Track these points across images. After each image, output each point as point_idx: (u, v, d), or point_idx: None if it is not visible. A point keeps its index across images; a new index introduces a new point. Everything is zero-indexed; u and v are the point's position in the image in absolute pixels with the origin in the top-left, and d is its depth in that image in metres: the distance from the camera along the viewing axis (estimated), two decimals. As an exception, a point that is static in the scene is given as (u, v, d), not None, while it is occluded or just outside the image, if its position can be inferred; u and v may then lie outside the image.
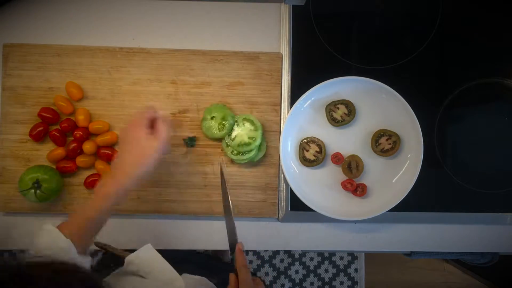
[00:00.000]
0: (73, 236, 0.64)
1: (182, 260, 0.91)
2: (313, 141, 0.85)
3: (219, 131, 0.84)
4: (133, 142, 0.71)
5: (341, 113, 0.85)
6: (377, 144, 0.85)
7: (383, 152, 0.85)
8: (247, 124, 0.84)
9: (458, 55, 0.91)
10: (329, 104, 0.85)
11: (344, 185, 0.85)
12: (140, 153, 0.71)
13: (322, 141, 0.85)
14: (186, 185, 0.86)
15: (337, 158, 0.85)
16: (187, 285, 0.70)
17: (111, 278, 0.73)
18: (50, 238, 0.63)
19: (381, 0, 0.92)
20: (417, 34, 0.90)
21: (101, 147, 0.85)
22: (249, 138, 0.84)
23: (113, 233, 0.87)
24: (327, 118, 0.86)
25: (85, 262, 0.65)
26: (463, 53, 0.91)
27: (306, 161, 0.86)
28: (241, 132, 0.84)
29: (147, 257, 0.72)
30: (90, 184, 0.84)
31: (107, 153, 0.84)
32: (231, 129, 0.84)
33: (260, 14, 0.90)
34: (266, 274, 1.71)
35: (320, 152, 0.85)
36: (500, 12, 0.92)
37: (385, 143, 0.85)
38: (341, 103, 0.85)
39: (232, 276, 0.70)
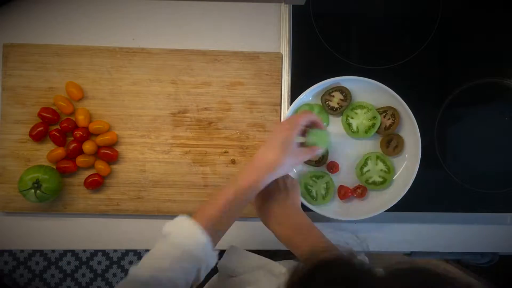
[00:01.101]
0: (208, 229, 0.60)
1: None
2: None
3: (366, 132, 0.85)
4: (283, 145, 0.68)
5: (337, 100, 0.85)
6: (387, 145, 0.85)
7: (394, 152, 0.85)
8: (380, 164, 0.85)
9: (458, 55, 0.91)
10: (324, 95, 0.85)
11: (339, 192, 0.86)
12: (281, 159, 0.67)
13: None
14: (186, 185, 0.86)
15: (332, 165, 0.86)
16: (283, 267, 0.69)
17: (218, 283, 0.73)
18: (186, 231, 0.59)
19: (381, 0, 0.92)
20: (417, 34, 0.90)
21: (101, 147, 0.85)
22: (380, 177, 0.85)
23: (113, 233, 0.87)
24: (324, 108, 0.85)
25: (216, 258, 0.62)
26: (463, 53, 0.91)
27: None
28: (373, 169, 0.85)
29: (237, 257, 0.72)
30: (90, 184, 0.84)
31: (107, 153, 0.84)
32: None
33: (260, 14, 0.90)
34: (266, 274, 1.70)
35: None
36: (500, 12, 0.92)
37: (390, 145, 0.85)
38: (336, 90, 0.85)
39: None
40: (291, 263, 0.73)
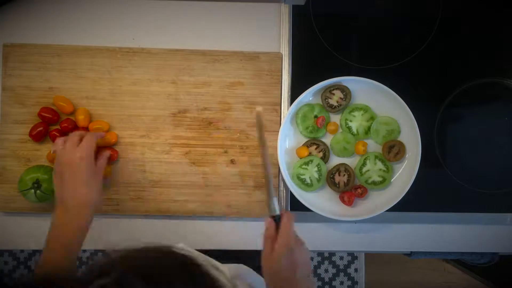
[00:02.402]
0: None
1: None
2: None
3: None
4: (90, 179, 0.70)
5: (337, 98, 0.85)
6: (389, 151, 0.85)
7: (395, 158, 0.85)
8: (379, 163, 0.85)
9: (458, 55, 0.91)
10: (325, 92, 0.85)
11: (341, 198, 0.86)
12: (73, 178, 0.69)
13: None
14: (186, 185, 0.86)
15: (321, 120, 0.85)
16: (229, 270, 0.69)
17: None
18: None
19: (381, 0, 0.92)
20: (417, 34, 0.90)
21: (100, 147, 0.85)
22: (379, 176, 0.85)
23: (113, 233, 0.87)
24: (324, 105, 0.85)
25: None
26: (463, 53, 0.91)
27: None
28: (372, 169, 0.85)
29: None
30: None
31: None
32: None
33: (260, 14, 0.90)
34: (266, 274, 1.70)
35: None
36: (501, 12, 0.92)
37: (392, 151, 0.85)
38: (336, 88, 0.85)
39: (268, 220, 0.65)
40: (234, 265, 0.73)
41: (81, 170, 0.69)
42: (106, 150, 0.80)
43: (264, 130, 0.72)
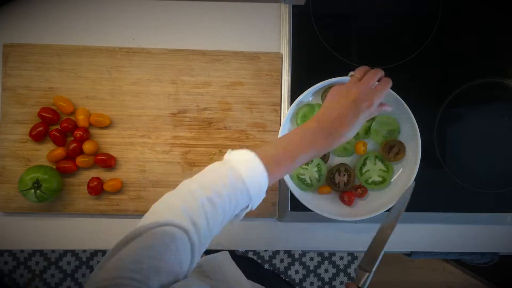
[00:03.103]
0: (270, 172, 0.58)
1: None
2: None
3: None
4: (360, 124, 0.67)
5: None
6: (389, 151, 0.85)
7: (395, 158, 0.85)
8: (379, 163, 0.85)
9: (458, 55, 0.91)
10: (325, 92, 0.85)
11: (341, 198, 0.86)
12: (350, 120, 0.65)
13: None
14: (186, 185, 0.86)
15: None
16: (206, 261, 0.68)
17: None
18: (251, 167, 0.57)
19: (381, 0, 0.92)
20: (417, 34, 0.90)
21: (98, 154, 0.85)
22: (379, 176, 0.85)
23: (113, 233, 0.87)
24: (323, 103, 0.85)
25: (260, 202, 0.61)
26: (463, 53, 0.91)
27: None
28: (372, 169, 0.86)
29: (225, 264, 0.71)
30: (93, 189, 0.84)
31: (103, 159, 0.84)
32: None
33: (260, 14, 0.90)
34: (266, 274, 1.70)
35: None
36: (501, 12, 0.92)
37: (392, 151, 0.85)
38: None
39: (351, 285, 0.64)
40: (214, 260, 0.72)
41: (356, 106, 0.66)
42: (386, 106, 0.75)
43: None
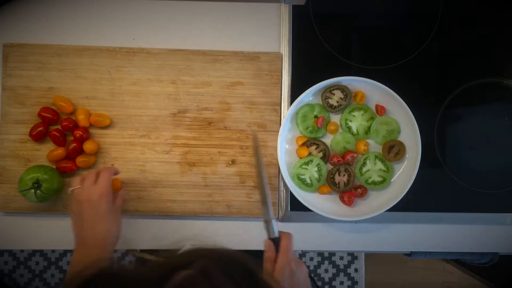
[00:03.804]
0: None
1: None
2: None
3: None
4: (110, 214, 0.71)
5: (337, 99, 0.85)
6: (389, 151, 0.85)
7: (394, 158, 0.85)
8: (379, 163, 0.85)
9: (458, 55, 0.91)
10: (325, 91, 0.85)
11: (341, 198, 0.86)
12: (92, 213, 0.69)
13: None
14: (186, 185, 0.86)
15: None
16: None
17: None
18: None
19: (381, 0, 0.92)
20: (417, 34, 0.90)
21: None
22: (379, 176, 0.85)
23: (113, 233, 0.87)
24: (324, 105, 0.85)
25: None
26: (463, 53, 0.91)
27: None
28: (372, 169, 0.85)
29: None
30: None
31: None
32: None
33: (260, 14, 0.90)
34: (266, 274, 1.70)
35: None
36: (501, 12, 0.92)
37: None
38: (337, 88, 0.85)
39: (268, 243, 0.67)
40: None
41: (101, 206, 0.70)
42: (121, 191, 0.79)
43: (260, 151, 0.73)
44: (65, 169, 0.84)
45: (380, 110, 0.85)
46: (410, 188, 0.82)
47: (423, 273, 1.80)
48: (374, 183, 0.85)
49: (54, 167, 0.84)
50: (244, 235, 0.88)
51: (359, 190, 0.85)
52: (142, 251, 0.77)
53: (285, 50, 0.89)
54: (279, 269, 0.64)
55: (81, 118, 0.84)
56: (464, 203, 0.89)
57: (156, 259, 0.59)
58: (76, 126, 0.84)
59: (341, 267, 1.69)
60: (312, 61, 0.90)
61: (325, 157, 0.86)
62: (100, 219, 0.70)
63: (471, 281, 1.62)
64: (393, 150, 0.85)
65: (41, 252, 1.74)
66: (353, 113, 0.86)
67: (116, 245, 0.71)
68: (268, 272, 0.64)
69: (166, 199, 0.86)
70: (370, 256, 1.72)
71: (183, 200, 0.86)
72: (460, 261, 1.58)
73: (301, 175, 0.85)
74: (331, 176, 0.85)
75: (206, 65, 0.87)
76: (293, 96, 0.87)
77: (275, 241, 0.68)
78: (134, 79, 0.87)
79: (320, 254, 1.71)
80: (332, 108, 0.85)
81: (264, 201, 0.70)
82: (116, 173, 0.79)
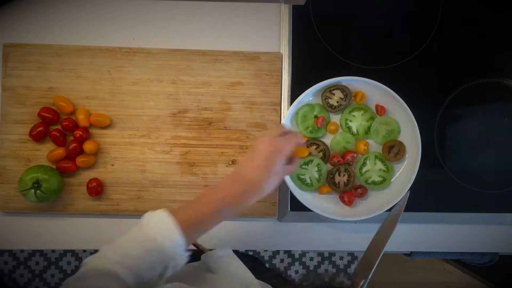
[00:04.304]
0: (185, 231, 0.58)
1: None
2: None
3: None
4: (272, 173, 0.67)
5: (337, 99, 0.85)
6: (389, 151, 0.85)
7: (394, 158, 0.85)
8: (379, 163, 0.85)
9: (458, 55, 0.91)
10: (325, 91, 0.85)
11: (341, 198, 0.85)
12: (266, 179, 0.66)
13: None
14: (186, 185, 0.86)
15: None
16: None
17: (194, 270, 0.72)
18: (165, 228, 0.58)
19: (381, 0, 0.92)
20: (417, 34, 0.90)
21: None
22: (379, 176, 0.85)
23: (113, 233, 0.87)
24: (324, 105, 0.85)
25: (186, 259, 0.61)
26: (463, 53, 0.91)
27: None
28: (372, 169, 0.85)
29: (223, 256, 0.71)
30: (92, 190, 0.84)
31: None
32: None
33: (260, 14, 0.90)
34: (266, 274, 1.70)
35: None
36: (500, 12, 0.92)
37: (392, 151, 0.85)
38: (337, 88, 0.85)
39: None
40: (263, 284, 0.72)
41: (275, 159, 0.66)
42: (299, 159, 0.75)
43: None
44: (65, 169, 0.84)
45: (380, 110, 0.85)
46: (410, 188, 0.82)
47: (423, 273, 1.80)
48: (374, 183, 0.85)
49: (54, 167, 0.84)
50: (244, 235, 0.88)
51: (359, 190, 0.85)
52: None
53: (285, 50, 0.89)
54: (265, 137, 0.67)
55: (81, 118, 0.84)
56: (464, 203, 0.89)
57: None
58: (76, 126, 0.84)
59: (341, 267, 1.69)
60: (312, 61, 0.90)
61: (325, 157, 0.86)
62: (260, 166, 0.66)
63: (471, 281, 1.62)
64: (393, 150, 0.85)
65: (41, 252, 1.74)
66: (353, 113, 0.86)
67: (250, 203, 0.67)
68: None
69: (166, 199, 0.86)
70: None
71: (183, 200, 0.86)
72: (460, 261, 1.58)
73: (301, 175, 0.85)
74: (331, 176, 0.85)
75: (206, 65, 0.87)
76: (293, 96, 0.87)
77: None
78: (134, 79, 0.87)
79: (320, 254, 1.71)
80: (332, 108, 0.85)
81: (370, 258, 0.69)
82: (298, 143, 0.73)
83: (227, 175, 0.68)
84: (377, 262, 0.68)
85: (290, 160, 0.72)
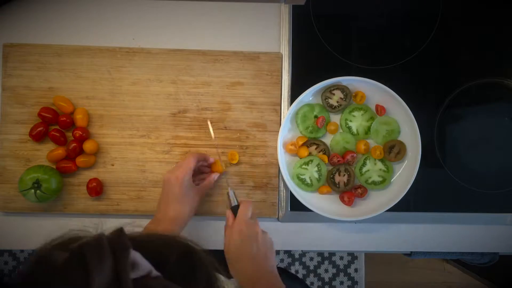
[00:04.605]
0: None
1: None
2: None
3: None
4: (182, 198, 0.76)
5: (337, 99, 0.85)
6: (390, 151, 0.85)
7: (395, 158, 0.85)
8: (379, 163, 0.85)
9: (458, 55, 0.91)
10: (325, 92, 0.85)
11: (341, 198, 0.85)
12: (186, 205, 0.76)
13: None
14: (186, 185, 0.86)
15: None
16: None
17: None
18: None
19: (381, 0, 0.92)
20: (417, 34, 0.90)
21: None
22: (379, 176, 0.85)
23: (113, 233, 0.87)
24: (324, 105, 0.85)
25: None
26: (463, 53, 0.91)
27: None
28: (372, 169, 0.85)
29: None
30: (92, 190, 0.84)
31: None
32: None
33: (260, 14, 0.90)
34: (266, 274, 1.70)
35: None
36: (500, 12, 0.92)
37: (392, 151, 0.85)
38: (337, 88, 0.85)
39: (228, 213, 0.75)
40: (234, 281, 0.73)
41: (175, 189, 0.74)
42: (213, 174, 0.84)
43: None
44: (65, 169, 0.84)
45: (380, 110, 0.85)
46: (410, 188, 0.82)
47: (423, 273, 1.80)
48: (374, 183, 0.85)
49: (54, 167, 0.84)
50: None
51: (359, 190, 0.85)
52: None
53: (285, 50, 0.89)
54: (232, 232, 0.70)
55: (79, 118, 0.84)
56: (464, 203, 0.89)
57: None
58: (74, 124, 0.84)
59: (341, 267, 1.69)
60: (312, 61, 0.90)
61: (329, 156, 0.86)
62: (171, 201, 0.75)
63: (471, 281, 1.62)
64: (393, 150, 0.85)
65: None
66: (353, 113, 0.86)
67: (186, 224, 0.76)
68: (226, 240, 0.72)
69: (166, 199, 0.86)
70: (370, 256, 1.72)
71: (183, 200, 0.86)
72: (460, 261, 1.58)
73: (301, 175, 0.85)
74: (331, 176, 0.85)
75: (206, 65, 0.87)
76: (293, 96, 0.87)
77: (235, 209, 0.75)
78: (134, 79, 0.87)
79: (320, 254, 1.71)
80: (332, 108, 0.85)
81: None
82: (204, 160, 0.83)
83: (149, 223, 0.75)
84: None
85: (206, 178, 0.82)
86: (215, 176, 0.83)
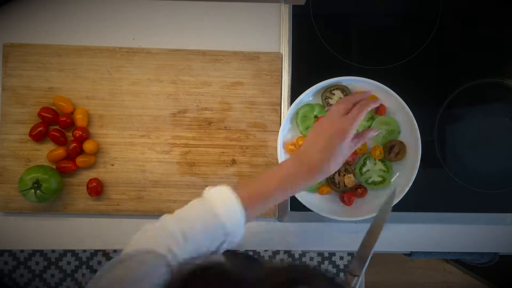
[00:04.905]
0: (246, 209, 0.59)
1: None
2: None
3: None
4: (330, 147, 0.67)
5: (337, 99, 0.85)
6: (390, 152, 0.85)
7: (395, 158, 0.85)
8: (379, 163, 0.85)
9: (458, 55, 0.91)
10: (325, 92, 0.85)
11: (341, 198, 0.85)
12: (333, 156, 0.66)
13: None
14: (186, 185, 0.86)
15: None
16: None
17: None
18: (228, 204, 0.59)
19: (381, 0, 0.92)
20: (417, 34, 0.90)
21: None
22: (379, 176, 0.85)
23: (113, 233, 0.87)
24: (324, 105, 0.85)
25: (242, 235, 0.61)
26: (463, 53, 0.91)
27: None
28: (372, 169, 0.85)
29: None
30: (92, 190, 0.84)
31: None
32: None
33: (260, 14, 0.90)
34: (266, 274, 1.70)
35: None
36: (501, 12, 0.92)
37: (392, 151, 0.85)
38: (337, 88, 0.85)
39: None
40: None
41: (332, 140, 0.67)
42: (371, 131, 0.75)
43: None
44: (65, 169, 0.84)
45: (380, 110, 0.85)
46: (410, 188, 0.82)
47: (423, 273, 1.80)
48: (374, 183, 0.85)
49: (54, 167, 0.84)
50: (244, 235, 0.88)
51: (359, 190, 0.85)
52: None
53: (285, 50, 0.89)
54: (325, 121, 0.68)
55: (79, 118, 0.84)
56: (464, 203, 0.89)
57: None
58: (73, 124, 0.84)
59: (341, 267, 1.69)
60: (312, 61, 0.90)
61: None
62: (322, 150, 0.66)
63: (471, 281, 1.62)
64: (393, 150, 0.85)
65: (41, 252, 1.73)
66: None
67: (313, 183, 0.67)
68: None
69: (166, 199, 0.86)
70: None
71: (183, 200, 0.86)
72: (460, 261, 1.58)
73: None
74: (331, 176, 0.85)
75: (206, 65, 0.87)
76: (293, 96, 0.87)
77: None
78: (134, 79, 0.87)
79: (320, 254, 1.71)
80: None
81: (362, 256, 0.70)
82: (371, 107, 0.73)
83: (291, 156, 0.69)
84: (368, 259, 0.69)
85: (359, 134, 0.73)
86: (370, 133, 0.75)
